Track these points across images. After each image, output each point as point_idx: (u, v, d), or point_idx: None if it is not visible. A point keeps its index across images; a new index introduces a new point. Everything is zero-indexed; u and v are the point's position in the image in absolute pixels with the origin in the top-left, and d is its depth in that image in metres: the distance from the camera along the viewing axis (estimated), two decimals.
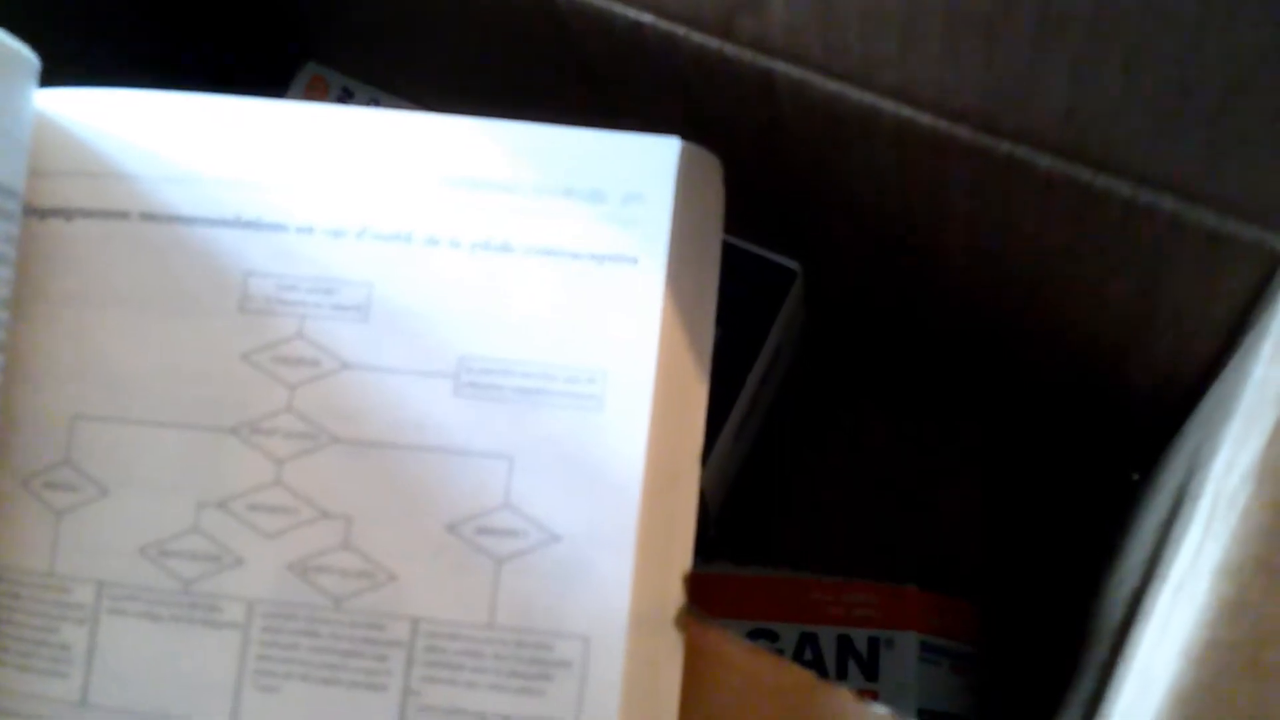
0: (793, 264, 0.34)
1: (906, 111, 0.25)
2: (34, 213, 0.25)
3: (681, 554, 0.24)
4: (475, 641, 0.23)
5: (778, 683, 0.24)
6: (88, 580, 0.24)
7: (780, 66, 0.26)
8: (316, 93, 0.39)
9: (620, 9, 0.27)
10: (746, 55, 0.26)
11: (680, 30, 0.27)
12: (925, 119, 0.25)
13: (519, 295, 0.24)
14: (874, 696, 0.33)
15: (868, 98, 0.26)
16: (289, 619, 0.24)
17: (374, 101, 0.39)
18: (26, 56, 0.25)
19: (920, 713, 0.34)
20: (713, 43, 0.26)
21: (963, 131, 0.25)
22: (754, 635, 0.35)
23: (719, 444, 0.32)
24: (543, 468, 0.24)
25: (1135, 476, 0.35)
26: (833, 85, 0.26)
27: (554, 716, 0.23)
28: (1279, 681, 0.19)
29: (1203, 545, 0.21)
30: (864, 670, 0.34)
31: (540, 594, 0.23)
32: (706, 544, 0.25)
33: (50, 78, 0.26)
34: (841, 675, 0.35)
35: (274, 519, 0.24)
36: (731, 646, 0.24)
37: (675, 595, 0.24)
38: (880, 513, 0.40)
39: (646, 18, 0.27)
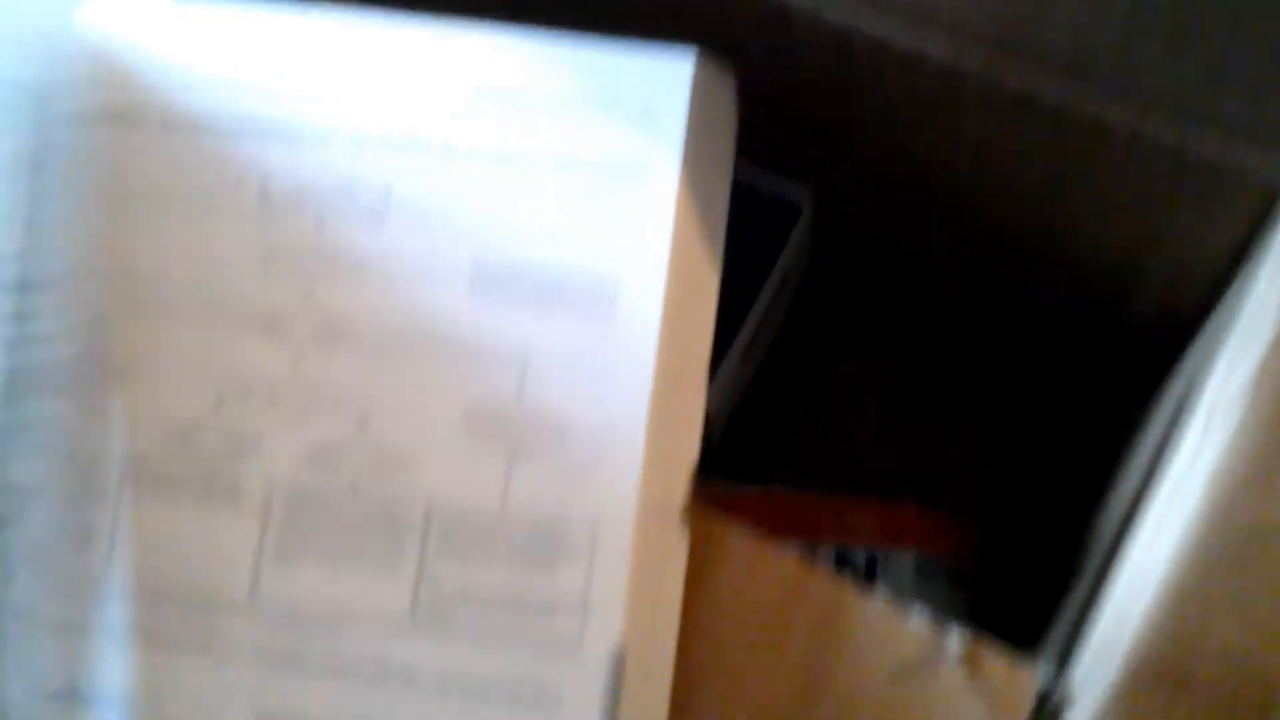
0: (800, 194, 0.34)
1: (917, 41, 0.26)
2: (59, 117, 0.26)
3: (688, 450, 0.25)
4: (488, 526, 0.24)
5: (777, 567, 0.25)
6: (113, 458, 0.25)
7: None
8: None
9: None
10: None
11: None
12: (936, 49, 0.26)
13: (535, 203, 0.25)
14: None
15: (880, 25, 0.26)
16: (306, 503, 0.24)
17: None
18: None
19: None
20: None
21: (972, 61, 0.25)
22: None
23: (724, 368, 0.32)
24: (556, 365, 0.24)
25: (1135, 414, 0.36)
26: (845, 13, 0.26)
27: (562, 599, 0.23)
28: (1261, 576, 0.20)
29: (1199, 450, 0.21)
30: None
31: (552, 482, 0.24)
32: (709, 459, 0.26)
33: None
34: None
35: (293, 408, 0.25)
36: (732, 533, 0.25)
37: (681, 489, 0.24)
38: (881, 446, 0.40)
39: None
